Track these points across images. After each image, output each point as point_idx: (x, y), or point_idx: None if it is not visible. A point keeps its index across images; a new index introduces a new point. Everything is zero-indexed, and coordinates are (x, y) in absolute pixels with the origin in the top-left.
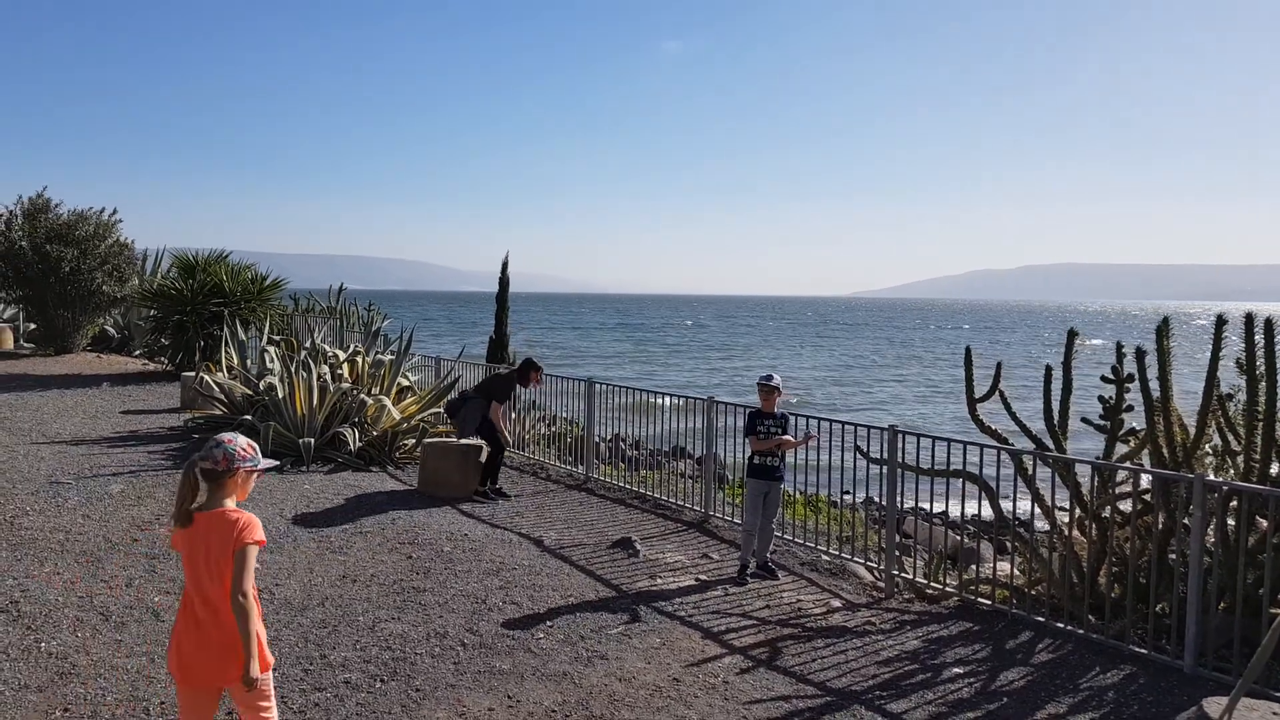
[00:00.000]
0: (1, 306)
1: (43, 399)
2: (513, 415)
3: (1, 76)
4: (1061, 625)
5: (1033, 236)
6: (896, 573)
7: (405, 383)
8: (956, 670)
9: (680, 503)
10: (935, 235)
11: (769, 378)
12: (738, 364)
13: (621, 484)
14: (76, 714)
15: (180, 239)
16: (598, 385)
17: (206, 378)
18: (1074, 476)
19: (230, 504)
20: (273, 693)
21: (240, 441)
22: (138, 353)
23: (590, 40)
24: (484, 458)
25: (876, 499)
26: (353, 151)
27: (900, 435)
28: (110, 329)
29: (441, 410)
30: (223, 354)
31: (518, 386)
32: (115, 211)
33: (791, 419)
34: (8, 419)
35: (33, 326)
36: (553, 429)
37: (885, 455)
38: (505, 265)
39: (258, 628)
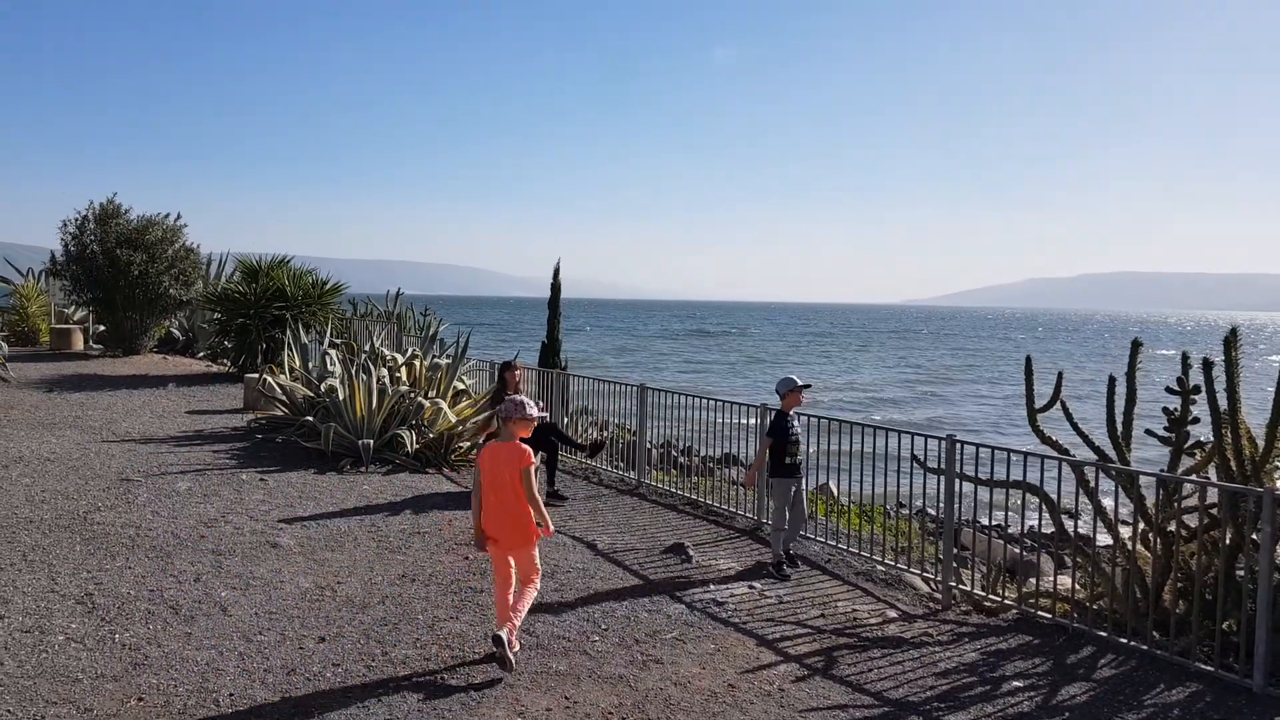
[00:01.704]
0: (72, 308)
1: (112, 399)
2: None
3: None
4: (1125, 641)
5: (1091, 244)
6: (954, 584)
7: (461, 386)
8: (1016, 684)
9: (732, 509)
10: (990, 243)
11: (795, 379)
12: (794, 371)
13: (673, 489)
14: (150, 704)
15: (241, 244)
16: (650, 390)
17: (269, 379)
18: (1138, 489)
19: (513, 436)
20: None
21: (526, 400)
22: (202, 354)
23: (642, 47)
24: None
25: (931, 510)
26: (407, 157)
27: (959, 445)
28: (176, 331)
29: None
30: (285, 356)
31: (509, 392)
32: (180, 216)
33: (809, 420)
34: (80, 418)
35: (101, 328)
36: (604, 434)
37: (943, 465)
38: (557, 271)
39: (541, 512)
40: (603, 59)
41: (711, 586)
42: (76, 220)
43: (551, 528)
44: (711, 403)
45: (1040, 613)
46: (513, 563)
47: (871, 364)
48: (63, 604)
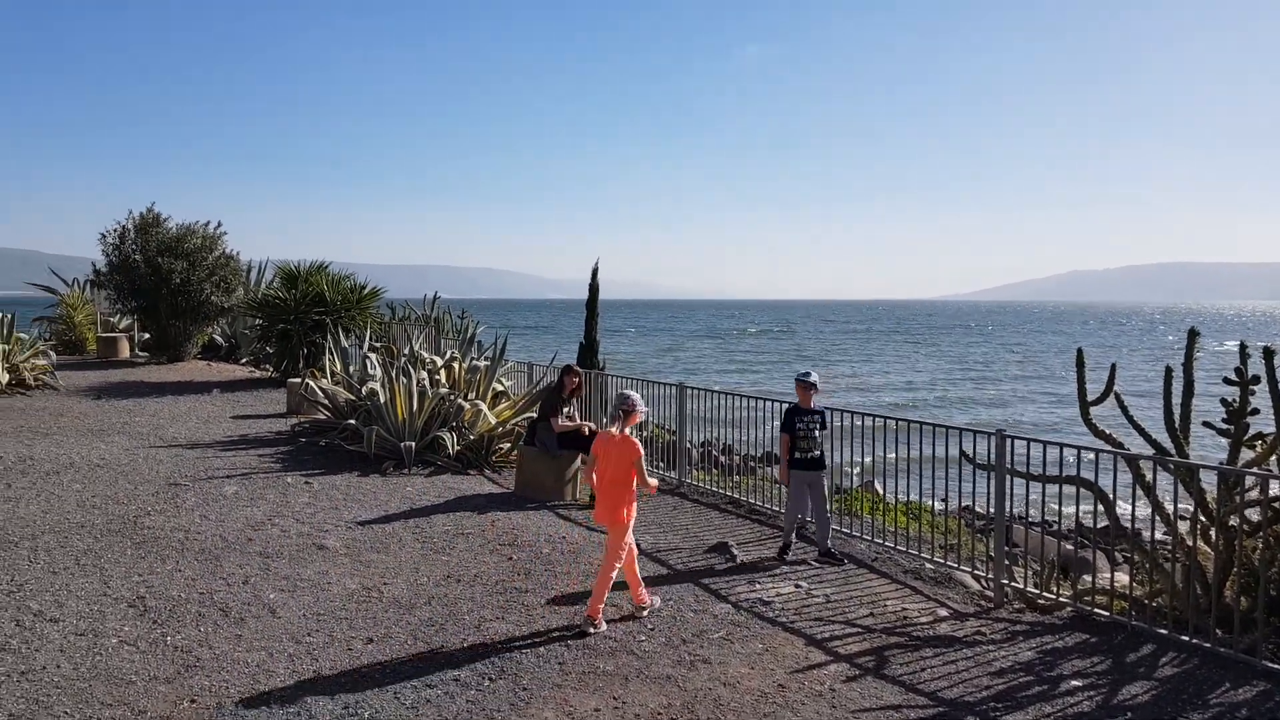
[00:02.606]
0: (118, 317)
1: (159, 405)
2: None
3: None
4: (1186, 638)
5: (1134, 235)
6: (1006, 582)
7: (500, 387)
8: (1075, 683)
9: (775, 508)
10: (1030, 235)
11: (807, 375)
12: (836, 370)
13: (715, 489)
14: (202, 705)
15: (279, 250)
16: (688, 390)
17: (311, 384)
18: (1198, 483)
19: (629, 431)
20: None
21: (635, 395)
22: (245, 360)
23: (672, 46)
24: (571, 470)
25: (976, 506)
26: (441, 162)
27: (1009, 440)
28: (218, 338)
29: (534, 415)
30: (326, 361)
31: (566, 394)
32: (220, 224)
33: (828, 414)
34: (128, 424)
35: (146, 336)
36: (643, 434)
37: (993, 460)
38: (595, 272)
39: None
40: (634, 59)
41: (757, 585)
42: (116, 231)
43: (623, 525)
44: (750, 401)
45: (1097, 610)
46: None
47: (916, 361)
48: (115, 607)
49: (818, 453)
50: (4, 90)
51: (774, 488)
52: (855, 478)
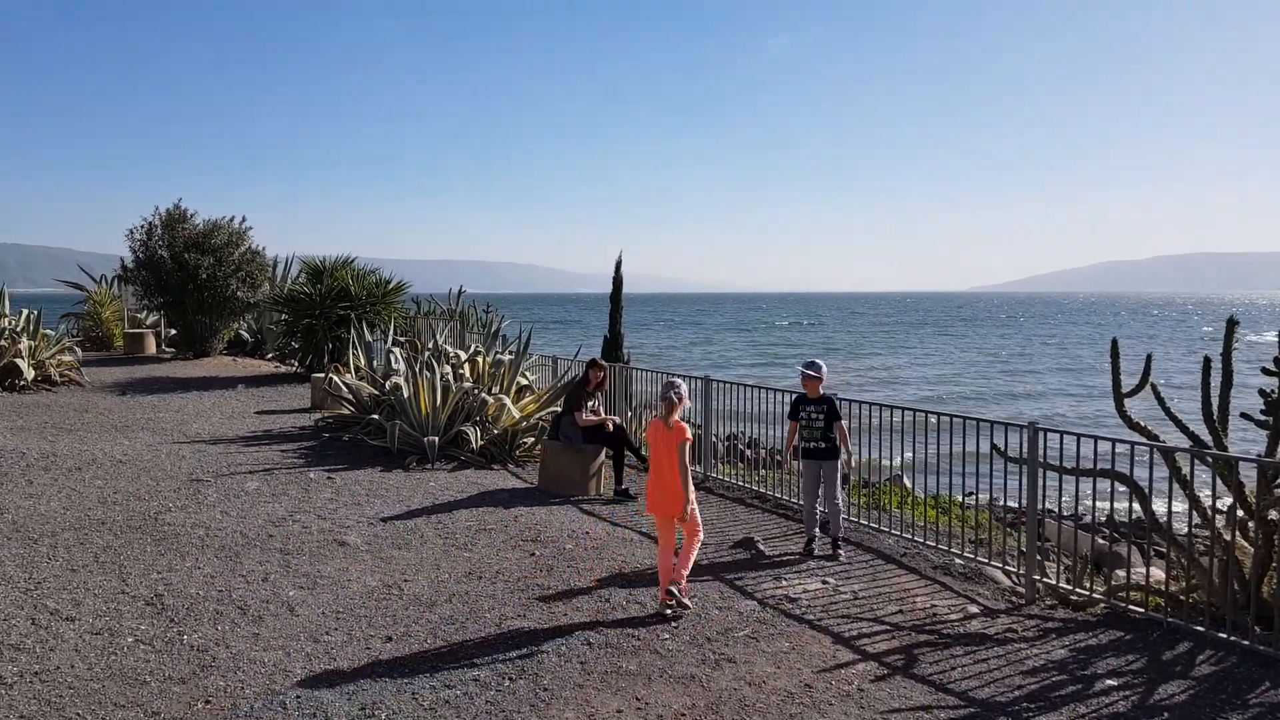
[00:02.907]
0: (145, 313)
1: (183, 400)
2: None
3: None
4: (1224, 636)
5: (1164, 225)
6: (1038, 578)
7: (524, 382)
8: (1110, 682)
9: (801, 503)
10: (1058, 226)
11: (810, 364)
12: (867, 363)
13: (740, 483)
14: (217, 706)
15: (308, 247)
16: (714, 383)
17: (335, 379)
18: (1237, 476)
19: (677, 416)
20: (699, 520)
21: (680, 382)
22: (270, 355)
23: (698, 38)
24: (596, 464)
25: (1008, 500)
26: (471, 158)
27: (1042, 433)
28: (244, 333)
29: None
30: (350, 356)
31: (591, 388)
32: (246, 219)
33: (841, 403)
34: (152, 420)
35: (173, 332)
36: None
37: (1025, 454)
38: (619, 265)
39: (690, 486)
40: (664, 54)
41: (784, 582)
42: (143, 227)
43: (693, 504)
44: (776, 394)
45: (1132, 607)
46: (678, 528)
47: (948, 354)
48: (133, 605)
49: (823, 443)
50: (40, 89)
51: (800, 480)
52: (884, 471)
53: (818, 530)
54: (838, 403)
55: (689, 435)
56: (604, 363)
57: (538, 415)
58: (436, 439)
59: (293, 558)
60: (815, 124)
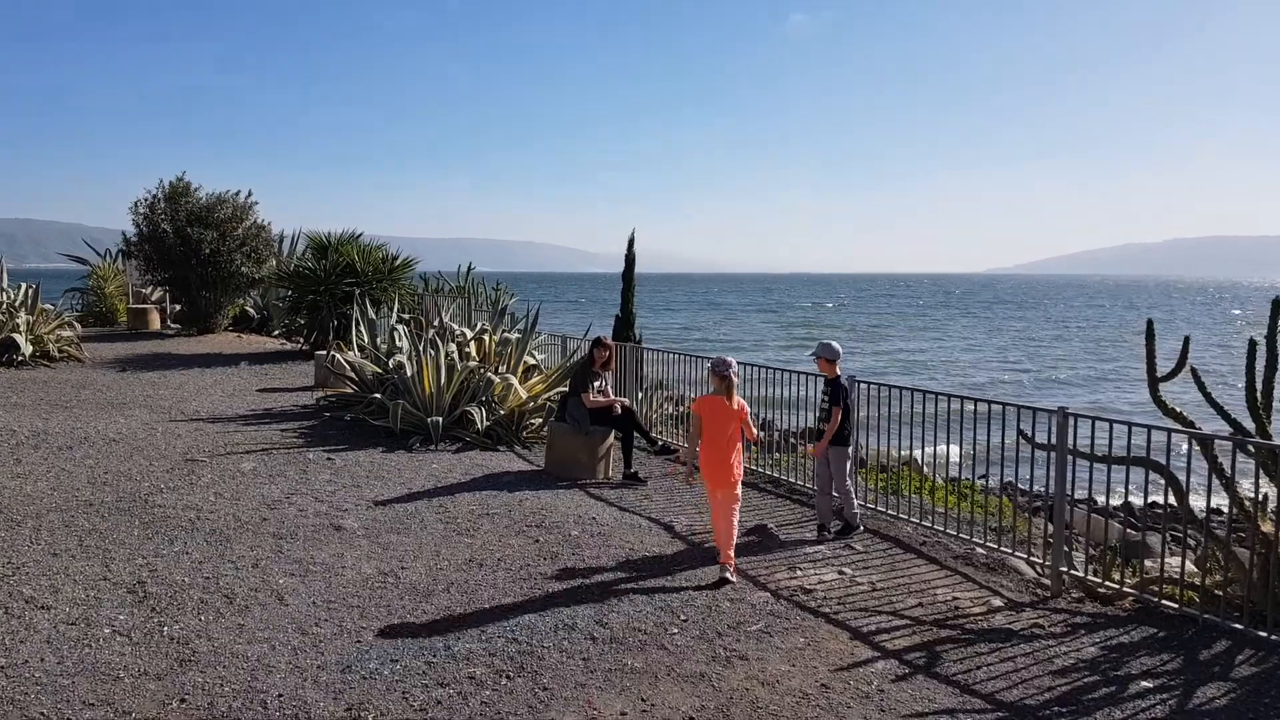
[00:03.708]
0: (150, 288)
1: (184, 377)
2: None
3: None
4: (1264, 634)
5: (1181, 208)
6: (1065, 570)
7: (532, 361)
8: (1145, 684)
9: (816, 488)
10: (1075, 208)
11: (821, 345)
12: (889, 346)
13: (753, 467)
14: (193, 705)
15: (314, 223)
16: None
17: (338, 356)
18: None
19: (735, 396)
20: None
21: (730, 362)
22: (276, 332)
23: (715, 15)
24: (604, 447)
25: (1029, 486)
26: (482, 137)
27: (1072, 418)
28: (250, 309)
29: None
30: (353, 333)
31: (597, 368)
32: (251, 193)
33: (846, 385)
34: (150, 397)
35: (178, 307)
36: (680, 409)
37: (1054, 440)
38: (631, 243)
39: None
40: (674, 31)
41: (798, 571)
42: (147, 200)
43: (737, 483)
44: (789, 375)
45: (1165, 602)
46: (723, 496)
47: (974, 337)
48: (113, 593)
49: (825, 426)
50: (51, 63)
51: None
52: (901, 455)
53: (833, 520)
54: (843, 386)
55: (750, 411)
56: (609, 341)
57: (545, 396)
58: (440, 419)
59: (286, 542)
60: (831, 103)
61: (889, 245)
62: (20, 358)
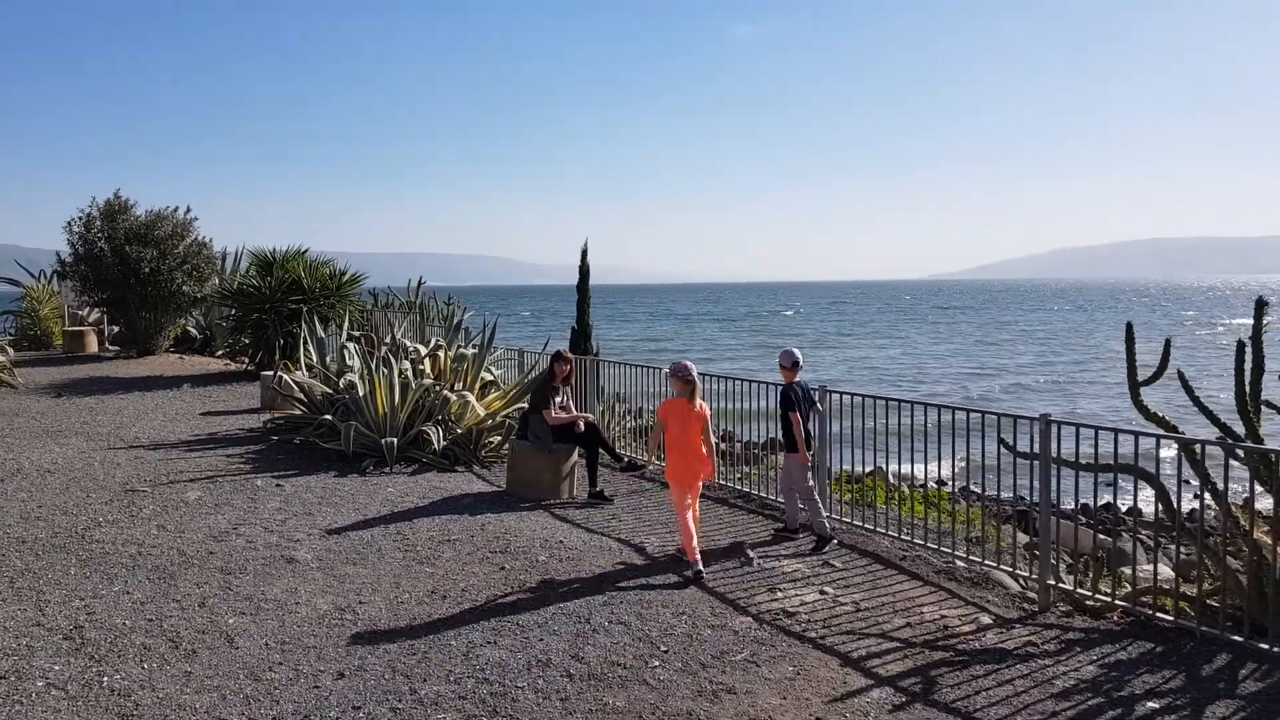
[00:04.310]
0: (87, 310)
1: (123, 402)
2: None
3: (72, 81)
4: (1265, 647)
5: (1117, 211)
6: (1052, 583)
7: (489, 377)
8: (1152, 704)
9: (781, 489)
10: (1013, 213)
11: (787, 353)
12: (858, 353)
13: (722, 481)
14: None
15: (260, 240)
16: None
17: (285, 377)
18: (1278, 471)
19: (697, 399)
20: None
21: (690, 366)
22: (220, 353)
23: (660, 26)
24: (568, 465)
25: (1012, 494)
26: (422, 148)
27: (1055, 426)
28: (192, 329)
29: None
30: (301, 352)
31: (557, 383)
32: (190, 210)
33: (792, 392)
34: (88, 423)
35: (116, 329)
36: (640, 422)
37: (1037, 449)
38: (585, 253)
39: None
40: (621, 41)
41: (778, 593)
42: (82, 218)
43: (715, 472)
44: (753, 386)
45: (1159, 615)
46: (691, 497)
47: (927, 343)
48: (48, 640)
49: (780, 435)
50: None
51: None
52: (879, 467)
53: (804, 532)
54: (792, 393)
55: (709, 413)
56: (570, 354)
57: (504, 413)
58: (395, 440)
59: (234, 578)
60: (775, 113)
61: (833, 252)
62: None
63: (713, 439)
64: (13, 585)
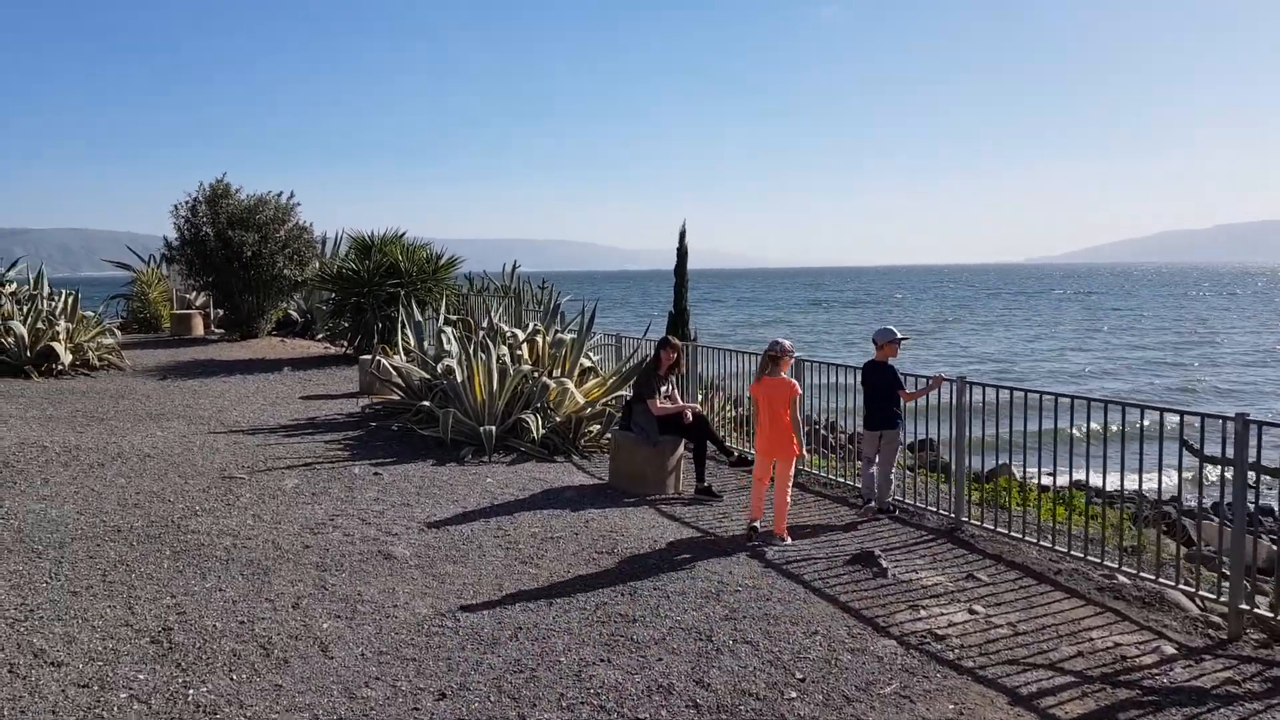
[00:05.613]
0: (194, 293)
1: (225, 385)
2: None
3: (191, 75)
4: None
5: (1226, 192)
6: (1245, 607)
7: (588, 363)
8: None
9: (920, 505)
10: (1117, 195)
11: (886, 331)
12: (961, 340)
13: (838, 478)
14: None
15: (356, 226)
16: (804, 362)
17: (384, 361)
18: None
19: (785, 373)
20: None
21: (785, 340)
22: (320, 336)
23: (743, 10)
24: (674, 459)
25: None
26: (513, 137)
27: (1256, 427)
28: (293, 313)
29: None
30: (399, 336)
31: (663, 371)
32: (293, 195)
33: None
34: (189, 406)
35: (221, 312)
36: (740, 411)
37: (1232, 454)
38: (683, 235)
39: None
40: (707, 28)
41: (921, 611)
42: (188, 203)
43: (804, 450)
44: (855, 371)
45: None
46: (775, 466)
47: (1055, 330)
48: (135, 643)
49: (877, 410)
50: (99, 75)
51: (911, 477)
52: (1040, 471)
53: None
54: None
55: (799, 390)
56: (677, 341)
57: (603, 401)
58: (494, 429)
59: (330, 575)
60: (865, 95)
61: (930, 237)
62: (60, 367)
63: (799, 416)
64: (105, 579)
